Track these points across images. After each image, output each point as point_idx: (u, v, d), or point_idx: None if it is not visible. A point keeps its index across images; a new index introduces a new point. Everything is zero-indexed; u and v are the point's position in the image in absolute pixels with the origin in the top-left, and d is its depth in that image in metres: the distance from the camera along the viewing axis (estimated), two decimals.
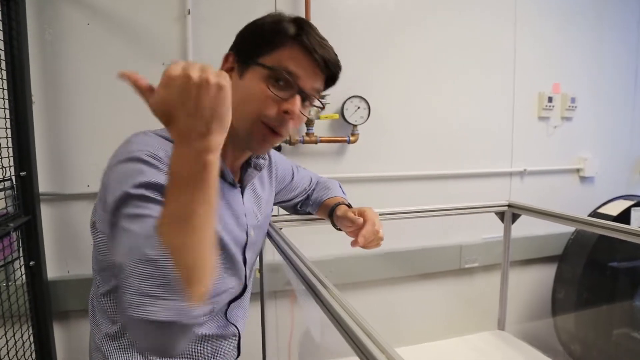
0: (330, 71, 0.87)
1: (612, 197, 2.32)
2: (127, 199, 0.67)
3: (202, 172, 0.57)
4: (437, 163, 2.05)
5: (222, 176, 0.91)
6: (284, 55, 0.83)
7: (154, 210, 0.65)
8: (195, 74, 0.56)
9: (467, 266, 2.11)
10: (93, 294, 0.91)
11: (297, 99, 0.83)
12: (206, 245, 0.59)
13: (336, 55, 0.89)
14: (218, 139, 0.58)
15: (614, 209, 2.19)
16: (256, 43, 0.85)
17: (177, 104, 0.57)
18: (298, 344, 1.78)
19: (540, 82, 2.26)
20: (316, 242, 1.61)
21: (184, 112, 0.56)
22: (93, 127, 1.58)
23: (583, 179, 2.42)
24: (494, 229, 1.60)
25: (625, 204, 2.19)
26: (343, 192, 1.27)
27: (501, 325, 1.63)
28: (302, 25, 0.84)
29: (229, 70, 0.88)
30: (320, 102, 0.92)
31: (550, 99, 2.27)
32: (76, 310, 1.62)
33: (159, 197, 0.67)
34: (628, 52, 2.51)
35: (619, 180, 2.52)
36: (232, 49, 0.89)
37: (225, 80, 0.58)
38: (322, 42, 0.85)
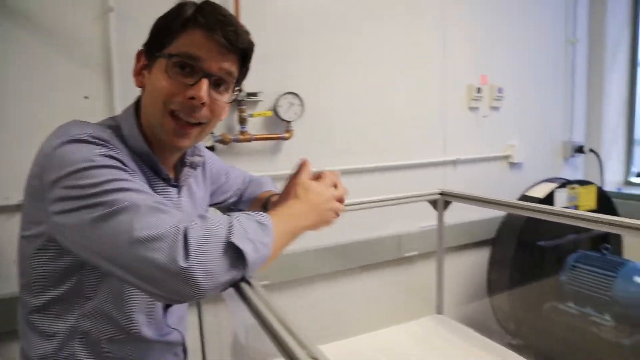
0: (238, 48, 0.83)
1: (538, 181, 2.45)
2: (89, 169, 0.70)
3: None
4: (373, 156, 2.09)
5: (156, 172, 0.89)
6: (185, 41, 0.80)
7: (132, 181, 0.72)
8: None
9: (406, 255, 2.17)
10: (22, 315, 0.85)
11: (204, 83, 0.80)
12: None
13: (246, 31, 0.85)
14: None
15: (540, 191, 2.32)
16: (161, 34, 0.83)
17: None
18: (239, 345, 1.77)
19: (469, 74, 2.35)
20: None
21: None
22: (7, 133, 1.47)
23: (512, 165, 2.54)
24: (431, 217, 1.65)
25: (550, 186, 2.32)
26: (275, 187, 1.27)
27: (439, 310, 1.69)
28: (201, 6, 0.82)
29: (143, 68, 0.86)
30: (237, 85, 0.89)
31: (478, 90, 2.36)
32: None
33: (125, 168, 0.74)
34: (550, 46, 2.66)
35: (544, 165, 2.66)
36: (143, 45, 0.87)
37: None
38: (225, 19, 0.82)
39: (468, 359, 1.40)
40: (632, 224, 1.17)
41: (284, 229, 0.81)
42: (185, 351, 1.05)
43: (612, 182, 2.86)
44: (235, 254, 0.69)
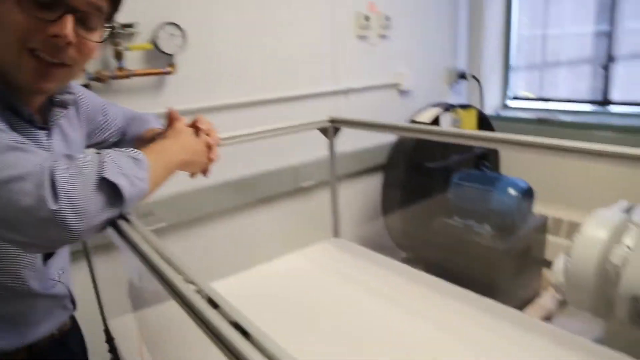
0: None
1: (425, 106, 2.57)
2: None
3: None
4: (263, 89, 2.06)
5: (17, 114, 0.77)
6: None
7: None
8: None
9: (303, 185, 2.21)
10: None
11: (68, 20, 0.70)
12: None
13: None
14: None
15: (427, 116, 2.44)
16: None
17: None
18: (134, 289, 1.73)
19: (357, 1, 2.35)
20: None
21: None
22: None
23: (401, 92, 2.63)
24: (326, 147, 1.69)
25: (436, 111, 2.45)
26: (159, 123, 1.21)
27: (336, 233, 1.75)
28: None
29: None
30: (108, 21, 0.80)
31: (367, 18, 2.37)
32: None
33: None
34: None
35: (431, 91, 2.79)
36: None
37: None
38: None
39: (364, 275, 1.49)
40: (506, 138, 1.27)
41: (158, 163, 0.79)
42: (74, 302, 1.01)
43: (491, 106, 3.08)
44: (109, 190, 0.66)
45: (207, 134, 0.98)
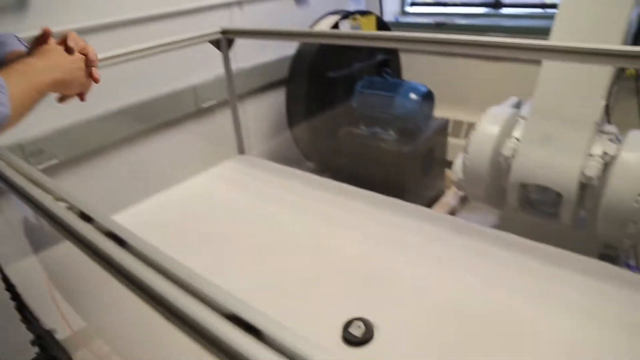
0: None
1: (322, 15, 2.49)
2: None
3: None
4: (151, 3, 1.87)
5: None
6: None
7: None
8: None
9: (204, 105, 2.11)
10: None
11: None
12: None
13: None
14: None
15: (325, 24, 2.37)
16: None
17: None
18: (30, 228, 1.61)
19: None
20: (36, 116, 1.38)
21: None
22: None
23: (298, 1, 2.51)
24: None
25: (334, 18, 2.38)
26: (24, 45, 1.05)
27: (241, 151, 1.70)
28: None
29: None
30: None
31: None
32: None
33: None
34: None
35: None
36: None
37: None
38: None
39: (273, 189, 1.47)
40: (406, 37, 1.26)
41: (22, 85, 0.71)
42: None
43: (390, 12, 3.05)
44: None
45: (83, 53, 0.88)
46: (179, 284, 0.33)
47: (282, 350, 0.26)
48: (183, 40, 1.45)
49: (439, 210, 2.34)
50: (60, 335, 1.03)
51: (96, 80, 0.91)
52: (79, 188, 1.81)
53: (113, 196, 1.79)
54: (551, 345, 0.84)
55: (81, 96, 0.93)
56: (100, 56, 1.07)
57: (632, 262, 1.61)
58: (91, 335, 1.04)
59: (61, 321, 1.05)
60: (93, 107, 1.74)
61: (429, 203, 2.37)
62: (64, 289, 1.14)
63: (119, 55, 1.30)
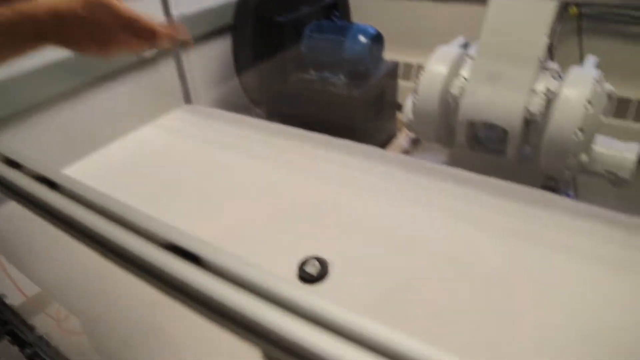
0: None
1: None
2: None
3: None
4: None
5: None
6: None
7: None
8: None
9: (146, 55, 2.01)
10: None
11: None
12: None
13: None
14: None
15: None
16: None
17: None
18: None
19: None
20: None
21: None
22: None
23: None
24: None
25: None
26: None
27: (187, 100, 1.65)
28: None
29: None
30: None
31: None
32: None
33: None
34: None
35: None
36: None
37: None
38: None
39: (219, 135, 1.44)
40: None
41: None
42: None
43: None
44: None
45: None
46: (115, 219, 0.32)
47: (222, 273, 0.26)
48: None
49: (392, 152, 2.37)
50: (14, 301, 1.00)
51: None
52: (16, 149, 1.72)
53: (54, 156, 1.71)
54: (493, 268, 0.88)
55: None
56: None
57: (570, 192, 1.70)
58: (47, 299, 1.02)
59: (13, 287, 1.02)
60: (23, 60, 1.62)
61: (382, 146, 2.39)
62: (11, 254, 1.10)
63: None
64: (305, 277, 0.90)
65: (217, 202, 1.15)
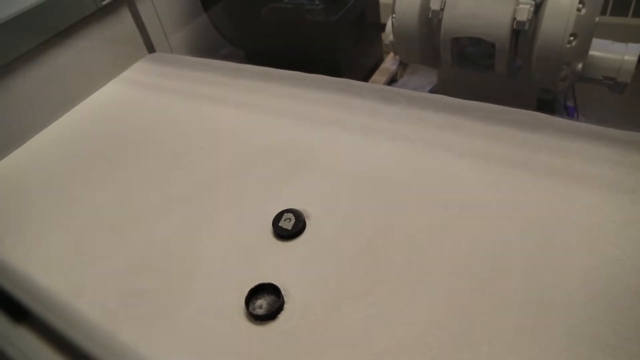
0: None
1: None
2: None
3: None
4: None
5: None
6: None
7: None
8: None
9: (105, 3, 1.86)
10: None
11: None
12: None
13: None
14: None
15: None
16: None
17: None
18: None
19: None
20: None
21: None
22: None
23: None
24: None
25: None
26: None
27: (150, 49, 1.54)
28: None
29: None
30: None
31: None
32: None
33: None
34: None
35: None
36: None
37: None
38: None
39: (186, 83, 1.35)
40: None
41: None
42: None
43: None
44: None
45: None
46: None
47: None
48: None
49: (379, 77, 2.25)
50: None
51: None
52: None
53: (18, 122, 1.63)
54: (479, 197, 0.82)
55: None
56: None
57: (569, 103, 1.60)
58: None
59: None
60: None
61: (369, 72, 2.27)
62: None
63: None
64: (282, 234, 0.85)
65: (188, 156, 1.08)
